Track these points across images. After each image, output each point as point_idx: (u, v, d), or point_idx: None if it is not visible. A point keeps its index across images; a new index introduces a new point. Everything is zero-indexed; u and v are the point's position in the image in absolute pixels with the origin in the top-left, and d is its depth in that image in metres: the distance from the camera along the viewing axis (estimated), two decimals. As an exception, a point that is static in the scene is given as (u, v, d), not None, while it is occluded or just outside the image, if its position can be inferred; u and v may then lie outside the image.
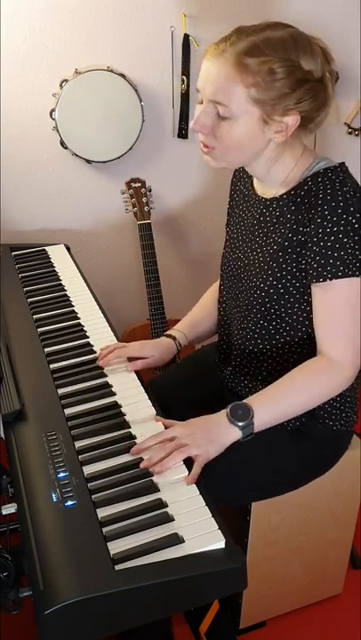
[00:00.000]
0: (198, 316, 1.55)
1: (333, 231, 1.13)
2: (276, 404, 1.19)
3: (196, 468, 1.09)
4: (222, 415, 1.17)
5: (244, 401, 1.18)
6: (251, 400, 1.18)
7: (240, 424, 1.14)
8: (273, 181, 1.26)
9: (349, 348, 1.18)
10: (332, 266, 1.14)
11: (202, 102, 1.17)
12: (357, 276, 1.14)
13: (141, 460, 1.10)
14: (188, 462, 1.10)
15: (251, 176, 1.37)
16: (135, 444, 1.14)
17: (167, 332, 1.51)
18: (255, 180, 1.35)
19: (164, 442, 1.12)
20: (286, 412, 1.20)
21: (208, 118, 1.15)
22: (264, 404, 1.18)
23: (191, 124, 1.18)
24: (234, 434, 1.15)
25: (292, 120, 1.13)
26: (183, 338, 1.50)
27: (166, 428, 1.18)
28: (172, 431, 1.15)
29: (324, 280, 1.15)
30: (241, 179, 1.42)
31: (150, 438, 1.13)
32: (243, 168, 1.43)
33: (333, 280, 1.14)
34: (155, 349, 1.44)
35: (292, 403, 1.19)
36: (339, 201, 1.13)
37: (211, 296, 1.57)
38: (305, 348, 1.27)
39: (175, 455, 1.09)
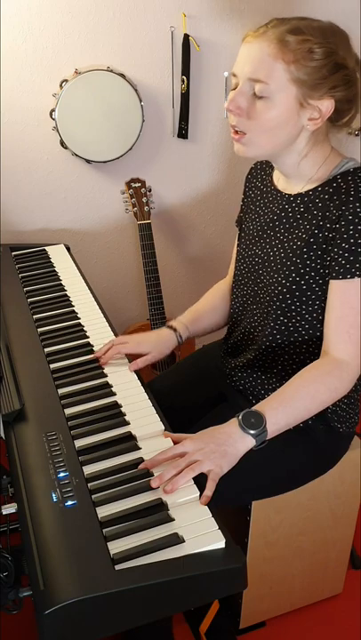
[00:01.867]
0: (202, 309, 1.54)
1: None
2: (288, 409, 1.15)
3: (210, 485, 1.04)
4: (233, 424, 1.12)
5: (254, 408, 1.14)
6: (261, 407, 1.14)
7: (253, 432, 1.10)
8: (300, 177, 1.25)
9: (358, 349, 1.17)
10: (360, 262, 1.13)
11: (234, 89, 1.17)
12: None
13: (142, 460, 1.09)
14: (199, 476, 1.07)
15: (270, 173, 1.36)
16: (135, 444, 1.14)
17: (169, 324, 1.49)
18: (276, 176, 1.34)
19: (173, 458, 1.09)
20: (297, 416, 1.16)
21: (243, 99, 1.15)
22: (275, 409, 1.14)
23: (226, 104, 1.17)
24: (247, 443, 1.11)
25: (327, 106, 1.14)
26: (185, 330, 1.48)
27: (175, 442, 1.14)
28: (182, 446, 1.09)
29: (352, 277, 1.14)
30: (258, 175, 1.42)
31: (160, 454, 1.09)
32: (261, 164, 1.42)
33: (355, 279, 1.14)
34: (154, 344, 1.43)
35: (302, 407, 1.16)
36: None
37: (216, 291, 1.56)
38: (321, 346, 1.27)
39: (186, 473, 1.04)
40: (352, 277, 1.14)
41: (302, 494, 1.43)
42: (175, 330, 1.47)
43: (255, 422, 1.11)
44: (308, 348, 1.29)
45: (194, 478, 1.05)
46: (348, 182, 1.17)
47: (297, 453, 1.32)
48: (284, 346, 1.31)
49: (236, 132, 1.19)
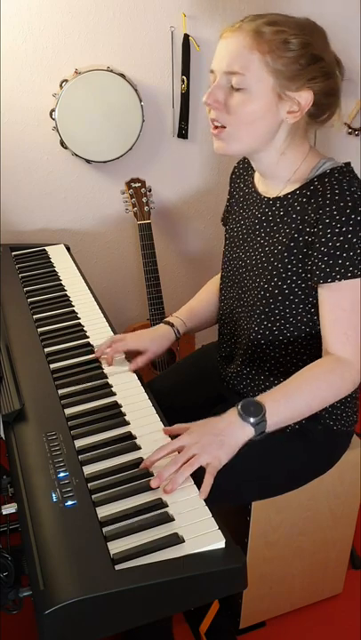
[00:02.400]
0: (198, 304, 1.55)
1: (342, 231, 1.12)
2: (289, 401, 1.14)
3: (208, 479, 1.03)
4: (233, 413, 1.11)
5: (255, 398, 1.12)
6: (262, 397, 1.13)
7: (252, 420, 1.08)
8: (279, 178, 1.25)
9: (359, 348, 1.17)
10: (341, 266, 1.13)
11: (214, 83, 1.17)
12: None
13: (141, 460, 1.09)
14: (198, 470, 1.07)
15: (251, 174, 1.36)
16: (135, 444, 1.14)
17: (165, 320, 1.50)
18: (257, 179, 1.34)
19: (172, 452, 1.08)
20: (298, 411, 1.16)
21: (221, 92, 1.15)
22: (276, 401, 1.12)
23: (204, 97, 1.17)
24: (246, 432, 1.08)
25: (305, 98, 1.14)
26: (182, 325, 1.48)
27: (172, 435, 1.14)
28: (179, 441, 1.09)
29: (333, 281, 1.14)
30: (241, 176, 1.42)
31: (158, 451, 1.08)
32: (243, 164, 1.42)
33: (342, 281, 1.14)
34: (152, 340, 1.43)
35: (303, 402, 1.15)
36: (347, 201, 1.12)
37: (211, 286, 1.56)
38: (309, 348, 1.27)
39: (184, 470, 1.03)
40: (333, 281, 1.14)
41: (302, 494, 1.43)
42: (172, 325, 1.47)
43: (254, 410, 1.09)
44: (294, 349, 1.29)
45: (193, 473, 1.05)
46: (324, 185, 1.16)
47: (296, 453, 1.32)
48: (270, 351, 1.31)
49: (216, 126, 1.18)
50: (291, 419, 1.16)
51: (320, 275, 1.15)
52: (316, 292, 1.20)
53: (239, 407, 1.10)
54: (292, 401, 1.14)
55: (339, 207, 1.12)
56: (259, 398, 1.13)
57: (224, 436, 1.08)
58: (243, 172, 1.41)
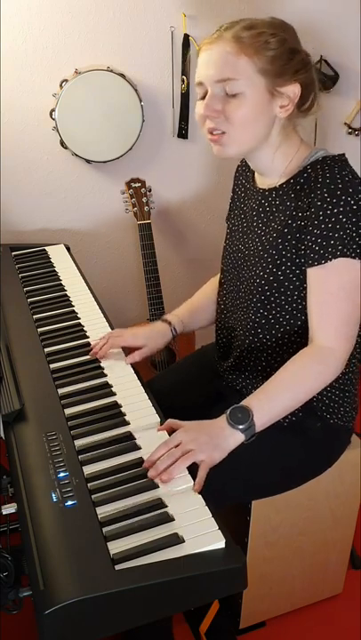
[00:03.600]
0: (197, 303, 1.56)
1: (333, 212, 1.14)
2: (274, 401, 1.18)
3: (202, 474, 1.07)
4: (223, 420, 1.15)
5: (242, 403, 1.16)
6: (248, 401, 1.17)
7: (241, 427, 1.13)
8: (274, 172, 1.28)
9: (341, 333, 1.18)
10: (332, 246, 1.15)
11: (203, 97, 1.20)
12: (354, 257, 1.15)
13: (142, 460, 1.10)
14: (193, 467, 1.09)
15: (252, 170, 1.38)
16: (135, 444, 1.14)
17: (163, 317, 1.51)
18: (256, 174, 1.36)
19: (169, 447, 1.11)
20: (285, 406, 1.19)
21: (217, 101, 1.18)
22: (261, 402, 1.17)
23: (201, 110, 1.20)
24: (237, 437, 1.13)
25: (293, 90, 1.18)
26: (179, 323, 1.49)
27: (169, 431, 1.17)
28: (176, 437, 1.12)
29: (325, 261, 1.15)
30: (243, 172, 1.44)
31: (159, 449, 1.11)
32: (245, 161, 1.44)
33: (332, 260, 1.15)
34: (148, 336, 1.45)
35: (289, 397, 1.18)
36: (338, 183, 1.15)
37: (210, 286, 1.57)
38: (305, 337, 1.28)
39: (180, 462, 1.07)
40: (325, 262, 1.16)
41: (302, 494, 1.43)
42: (170, 323, 1.48)
43: (242, 417, 1.13)
44: (290, 339, 1.30)
45: (191, 471, 1.07)
46: (316, 170, 1.19)
47: (295, 451, 1.32)
48: (266, 341, 1.32)
49: (213, 133, 1.20)
50: (279, 415, 1.19)
51: (313, 257, 1.17)
52: None
53: (228, 415, 1.14)
54: (276, 398, 1.18)
55: (330, 190, 1.15)
56: (245, 402, 1.16)
57: (217, 439, 1.13)
58: (245, 168, 1.43)
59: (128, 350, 1.42)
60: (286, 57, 1.17)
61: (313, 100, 1.25)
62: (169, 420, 1.18)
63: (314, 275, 1.19)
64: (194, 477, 1.07)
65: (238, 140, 1.21)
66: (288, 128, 1.24)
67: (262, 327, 1.31)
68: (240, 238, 1.38)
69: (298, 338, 1.29)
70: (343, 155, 1.22)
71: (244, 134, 1.20)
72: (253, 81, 1.15)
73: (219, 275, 1.58)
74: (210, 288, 1.57)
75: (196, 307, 1.55)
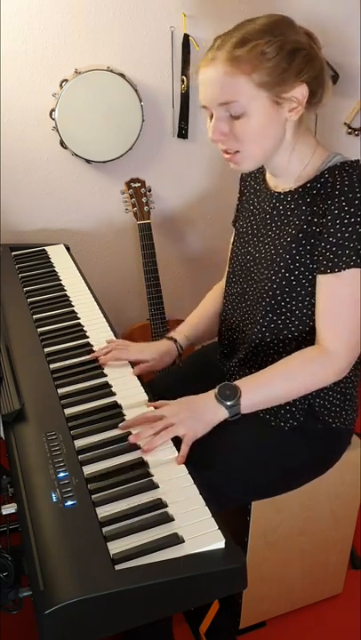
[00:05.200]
0: (200, 316, 1.56)
1: (351, 222, 1.13)
2: (265, 387, 1.21)
3: (184, 447, 1.12)
4: (210, 395, 1.19)
5: (234, 382, 1.20)
6: (240, 382, 1.20)
7: (227, 403, 1.17)
8: (290, 175, 1.26)
9: (347, 340, 1.19)
10: (347, 256, 1.14)
11: (211, 117, 1.18)
12: None
13: (142, 460, 1.10)
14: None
15: (262, 171, 1.37)
16: (135, 443, 1.14)
17: (168, 335, 1.51)
18: (268, 175, 1.35)
19: (152, 419, 1.15)
20: (274, 395, 1.22)
21: (224, 124, 1.16)
22: (253, 386, 1.20)
23: (210, 136, 1.19)
24: (220, 413, 1.17)
25: (301, 92, 1.15)
26: (185, 340, 1.50)
27: (156, 409, 1.21)
28: (160, 410, 1.18)
29: (339, 270, 1.15)
30: (251, 174, 1.43)
31: (139, 416, 1.16)
32: None
33: (346, 270, 1.15)
34: (155, 353, 1.44)
35: (281, 388, 1.21)
36: (356, 192, 1.13)
37: (213, 297, 1.57)
38: (311, 343, 1.27)
39: (163, 434, 1.12)
40: (339, 271, 1.15)
41: (302, 494, 1.43)
42: (175, 341, 1.49)
43: (230, 394, 1.18)
44: (298, 344, 1.29)
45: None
46: (334, 176, 1.17)
47: (296, 452, 1.32)
48: (273, 344, 1.32)
49: (228, 152, 1.20)
50: (267, 402, 1.23)
51: (327, 264, 1.17)
52: None
53: (216, 390, 1.19)
54: (268, 387, 1.21)
55: (348, 199, 1.13)
56: (238, 382, 1.20)
57: (200, 413, 1.18)
58: (254, 170, 1.42)
59: (134, 362, 1.42)
60: (286, 61, 1.12)
61: (323, 92, 1.21)
62: (159, 402, 1.23)
63: (325, 281, 1.19)
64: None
65: (253, 154, 1.20)
66: (301, 128, 1.22)
67: (270, 330, 1.31)
68: (250, 241, 1.37)
69: (305, 343, 1.28)
70: (359, 161, 1.20)
71: (257, 149, 1.19)
72: (255, 97, 1.13)
73: (221, 282, 1.58)
74: (211, 299, 1.57)
75: (199, 320, 1.55)
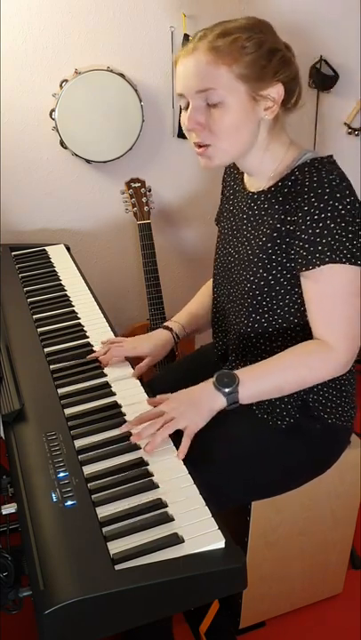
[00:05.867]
0: (196, 306, 1.56)
1: (321, 218, 1.13)
2: (264, 377, 1.21)
3: (185, 441, 1.12)
4: (208, 382, 1.20)
5: (233, 371, 1.20)
6: (239, 371, 1.21)
7: (225, 390, 1.17)
8: (263, 174, 1.26)
9: (343, 334, 1.18)
10: (321, 252, 1.14)
11: (186, 108, 1.19)
12: (344, 262, 1.14)
13: (142, 460, 1.10)
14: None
15: (241, 172, 1.37)
16: (135, 443, 1.14)
17: (164, 324, 1.51)
18: (245, 176, 1.36)
19: (152, 417, 1.16)
20: (273, 386, 1.21)
21: (200, 113, 1.17)
22: (251, 375, 1.20)
23: (185, 124, 1.19)
24: (219, 401, 1.17)
25: (277, 91, 1.17)
26: (180, 329, 1.50)
27: (157, 405, 1.21)
28: (158, 407, 1.18)
29: (313, 267, 1.15)
30: (231, 174, 1.43)
31: (139, 416, 1.16)
32: (233, 163, 1.43)
33: (322, 266, 1.15)
34: (150, 345, 1.45)
35: (279, 379, 1.21)
36: (325, 188, 1.13)
37: (208, 289, 1.57)
38: (298, 339, 1.28)
39: (163, 430, 1.12)
40: (314, 267, 1.15)
41: (302, 494, 1.43)
42: (171, 330, 1.49)
43: (228, 382, 1.18)
44: (284, 342, 1.30)
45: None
46: (304, 174, 1.17)
47: (294, 451, 1.32)
48: (260, 344, 1.32)
49: (200, 146, 1.20)
50: (265, 394, 1.22)
51: (302, 262, 1.17)
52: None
53: (214, 378, 1.19)
54: (267, 377, 1.21)
55: (317, 194, 1.13)
56: (237, 371, 1.20)
57: (199, 403, 1.18)
58: (233, 170, 1.43)
59: (132, 360, 1.42)
60: (265, 59, 1.14)
61: (298, 96, 1.23)
62: (158, 397, 1.23)
63: (306, 281, 1.19)
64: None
65: (224, 150, 1.20)
66: (276, 128, 1.22)
67: (255, 331, 1.31)
68: (230, 241, 1.37)
69: (292, 340, 1.29)
70: (331, 156, 1.21)
71: (229, 145, 1.19)
72: (234, 88, 1.14)
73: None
74: (207, 290, 1.57)
75: (196, 311, 1.55)
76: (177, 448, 1.12)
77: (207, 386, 1.20)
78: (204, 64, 1.13)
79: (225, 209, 1.43)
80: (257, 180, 1.29)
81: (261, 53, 1.14)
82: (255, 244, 1.27)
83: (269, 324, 1.29)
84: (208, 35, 1.15)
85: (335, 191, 1.13)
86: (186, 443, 1.12)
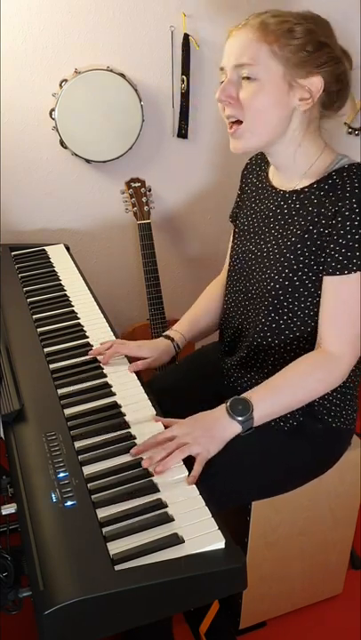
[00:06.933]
0: (197, 314, 1.56)
1: None
2: (275, 397, 1.20)
3: (197, 467, 1.09)
4: (222, 410, 1.17)
5: (243, 395, 1.18)
6: (249, 394, 1.19)
7: (240, 419, 1.15)
8: (295, 171, 1.26)
9: (351, 343, 1.19)
10: (357, 258, 1.14)
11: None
12: None
13: (141, 460, 1.09)
14: (189, 462, 1.10)
15: (265, 169, 1.37)
16: (135, 444, 1.14)
17: (165, 334, 1.51)
18: (271, 173, 1.35)
19: (164, 442, 1.12)
20: (285, 405, 1.21)
21: (232, 87, 1.17)
22: (263, 398, 1.18)
23: (217, 94, 1.19)
24: (234, 429, 1.16)
25: (316, 84, 1.16)
26: (181, 339, 1.50)
27: (166, 427, 1.18)
28: (171, 430, 1.15)
29: (349, 272, 1.15)
30: (253, 171, 1.42)
31: (150, 439, 1.13)
32: (256, 160, 1.43)
33: (355, 273, 1.15)
34: (153, 350, 1.44)
35: (290, 397, 1.20)
36: None
37: (209, 293, 1.57)
38: (313, 344, 1.27)
39: (176, 455, 1.09)
40: (349, 273, 1.15)
41: (302, 494, 1.43)
42: (172, 340, 1.49)
43: (242, 409, 1.16)
44: (299, 345, 1.29)
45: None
46: (343, 178, 1.17)
47: (296, 452, 1.32)
48: (275, 345, 1.32)
49: (232, 124, 1.20)
50: (278, 413, 1.21)
51: (336, 266, 1.16)
52: None
53: (228, 405, 1.17)
54: (278, 397, 1.20)
55: (359, 201, 1.13)
56: (246, 395, 1.18)
57: (213, 430, 1.15)
58: (255, 167, 1.42)
59: (131, 358, 1.42)
60: (311, 48, 1.14)
61: (341, 101, 1.23)
62: (168, 419, 1.20)
63: (331, 283, 1.19)
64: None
65: (254, 130, 1.19)
66: (311, 125, 1.22)
67: (272, 330, 1.31)
68: (251, 239, 1.36)
69: (307, 344, 1.28)
70: None
71: (260, 125, 1.19)
72: (270, 68, 1.14)
73: (218, 279, 1.58)
74: (209, 295, 1.57)
75: (194, 319, 1.55)
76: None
77: (221, 414, 1.17)
78: (248, 40, 1.14)
79: (245, 206, 1.42)
80: (286, 178, 1.29)
81: (307, 41, 1.14)
82: (283, 244, 1.26)
83: (287, 326, 1.29)
84: (263, 14, 1.16)
85: None
86: (198, 468, 1.08)
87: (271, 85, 1.15)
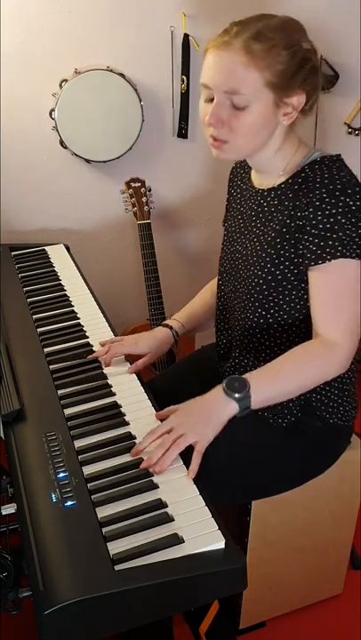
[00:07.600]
0: (197, 305, 1.57)
1: (332, 213, 1.14)
2: (273, 380, 1.18)
3: (195, 460, 1.08)
4: (218, 390, 1.15)
5: (241, 376, 1.16)
6: (247, 375, 1.17)
7: (237, 396, 1.12)
8: (273, 171, 1.28)
9: (347, 330, 1.18)
10: (331, 247, 1.15)
11: (209, 100, 1.18)
12: (354, 257, 1.15)
13: (141, 460, 1.09)
14: (190, 455, 1.10)
15: (248, 171, 1.38)
16: (135, 444, 1.14)
17: (164, 322, 1.51)
18: (253, 174, 1.37)
19: (161, 436, 1.12)
20: (283, 390, 1.19)
21: (223, 111, 1.16)
22: (261, 379, 1.16)
23: (207, 118, 1.18)
24: (230, 408, 1.13)
25: (299, 99, 1.18)
26: (180, 327, 1.50)
27: (163, 418, 1.18)
28: (167, 423, 1.13)
29: (323, 262, 1.15)
30: (238, 174, 1.44)
31: (147, 437, 1.12)
32: (241, 163, 1.44)
33: (332, 261, 1.15)
34: (150, 343, 1.44)
35: (288, 383, 1.18)
36: (336, 184, 1.15)
37: (210, 288, 1.58)
38: (302, 336, 1.28)
39: (172, 450, 1.08)
40: (323, 262, 1.16)
41: (302, 494, 1.43)
42: (171, 328, 1.49)
43: (239, 387, 1.13)
44: (289, 337, 1.30)
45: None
46: (315, 171, 1.19)
47: (295, 450, 1.32)
48: (265, 339, 1.32)
49: (216, 139, 1.20)
50: (276, 398, 1.19)
51: (311, 257, 1.17)
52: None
53: (224, 383, 1.14)
54: (277, 381, 1.18)
55: (328, 190, 1.15)
56: (245, 376, 1.16)
57: (209, 413, 1.13)
58: (240, 170, 1.44)
59: (131, 357, 1.42)
60: (296, 68, 1.15)
61: (314, 102, 1.24)
62: (165, 409, 1.20)
63: (315, 276, 1.19)
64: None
65: (239, 148, 1.21)
66: (288, 129, 1.24)
67: (260, 327, 1.31)
68: (238, 239, 1.38)
69: (296, 338, 1.29)
70: (339, 155, 1.22)
71: (245, 144, 1.20)
72: (261, 95, 1.14)
73: (216, 279, 1.58)
74: (209, 291, 1.57)
75: (196, 310, 1.55)
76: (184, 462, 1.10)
77: (217, 393, 1.15)
78: (238, 64, 1.12)
79: (232, 208, 1.44)
80: (266, 178, 1.30)
81: (294, 62, 1.14)
82: (264, 240, 1.27)
83: (275, 320, 1.29)
84: (243, 32, 1.13)
85: (346, 187, 1.15)
86: (196, 461, 1.08)
87: (261, 110, 1.15)
